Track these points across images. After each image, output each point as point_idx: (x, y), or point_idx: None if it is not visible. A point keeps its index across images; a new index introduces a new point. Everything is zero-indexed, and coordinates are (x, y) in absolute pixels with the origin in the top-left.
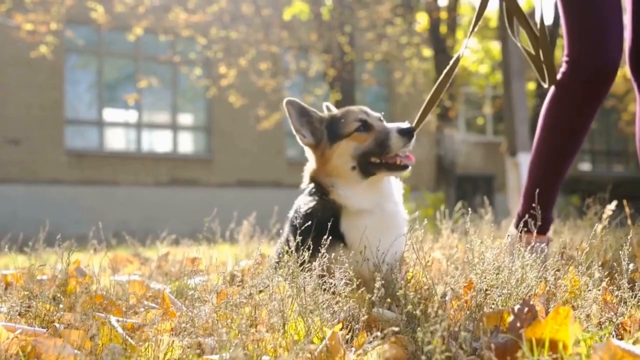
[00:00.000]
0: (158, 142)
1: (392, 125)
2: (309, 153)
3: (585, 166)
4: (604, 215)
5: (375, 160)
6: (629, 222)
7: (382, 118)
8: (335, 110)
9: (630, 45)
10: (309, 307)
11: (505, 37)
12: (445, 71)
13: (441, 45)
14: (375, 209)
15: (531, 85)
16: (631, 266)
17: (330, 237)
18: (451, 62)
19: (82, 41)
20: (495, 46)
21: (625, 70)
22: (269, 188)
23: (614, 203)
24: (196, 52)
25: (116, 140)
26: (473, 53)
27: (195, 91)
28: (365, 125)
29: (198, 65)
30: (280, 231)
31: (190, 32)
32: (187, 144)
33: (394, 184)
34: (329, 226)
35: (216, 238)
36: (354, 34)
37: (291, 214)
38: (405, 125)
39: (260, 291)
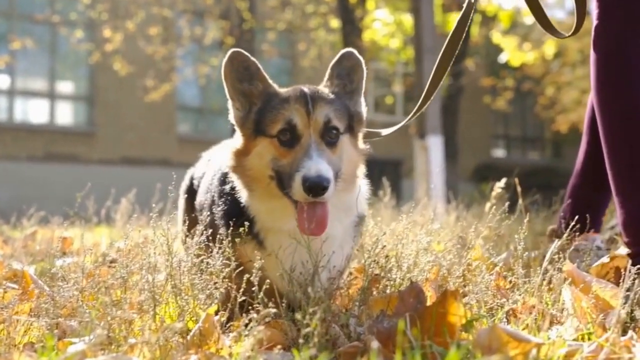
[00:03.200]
0: (33, 112)
1: (307, 164)
2: (237, 130)
3: (499, 152)
4: (493, 194)
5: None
6: (520, 201)
7: (331, 124)
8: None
9: None
10: (183, 288)
11: (419, 9)
12: (458, 19)
13: (349, 16)
14: (298, 231)
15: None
16: (535, 253)
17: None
18: (465, 6)
19: None
20: (408, 19)
21: (542, 51)
22: (157, 167)
23: (503, 180)
24: (77, 12)
25: None
26: (384, 26)
27: (76, 56)
28: (291, 133)
29: (79, 26)
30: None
31: None
32: (66, 115)
33: (352, 196)
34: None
35: (90, 217)
36: (254, 0)
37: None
38: (314, 177)
39: (134, 273)
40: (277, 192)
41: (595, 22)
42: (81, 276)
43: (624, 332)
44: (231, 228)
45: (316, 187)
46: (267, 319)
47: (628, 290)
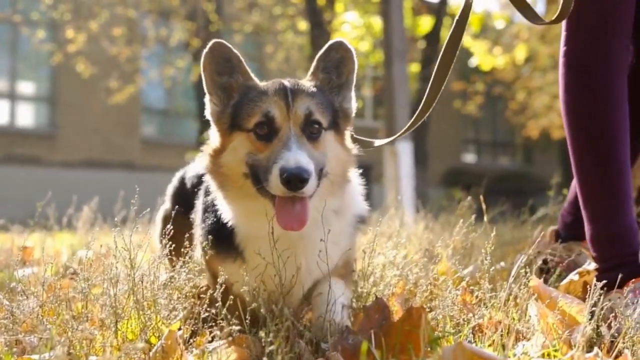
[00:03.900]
0: None
1: (285, 156)
2: (213, 127)
3: (469, 157)
4: (458, 211)
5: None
6: (485, 219)
7: (312, 117)
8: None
9: None
10: (146, 303)
11: (388, 13)
12: (455, 20)
13: (318, 19)
14: (282, 237)
15: (414, 67)
16: (502, 264)
17: (226, 250)
18: (461, 9)
19: None
20: (377, 22)
21: (513, 55)
22: (121, 170)
23: (469, 199)
24: (40, 12)
25: None
26: (353, 29)
27: (38, 56)
28: (269, 126)
29: (42, 26)
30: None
31: None
32: (27, 116)
33: (342, 200)
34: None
35: (52, 225)
36: (221, 1)
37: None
38: (292, 167)
39: (95, 285)
40: (252, 192)
41: (564, 32)
42: (41, 290)
43: (590, 348)
44: (212, 243)
45: (295, 179)
46: (230, 337)
47: (594, 306)
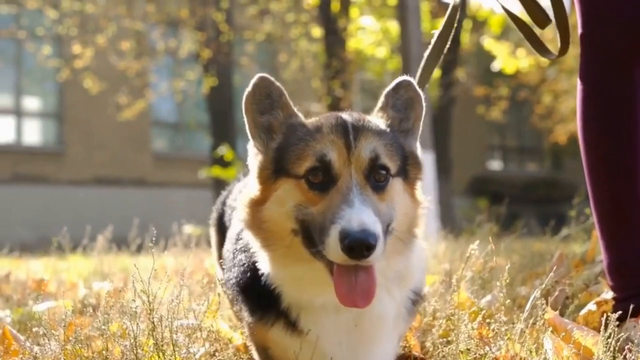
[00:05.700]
0: None
1: (346, 214)
2: (253, 174)
3: (495, 164)
4: (470, 248)
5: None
6: (491, 246)
7: (379, 162)
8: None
9: None
10: (165, 342)
11: (405, 18)
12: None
13: (332, 25)
14: (340, 308)
15: (434, 73)
16: (522, 290)
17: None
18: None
19: None
20: (395, 26)
21: (537, 58)
22: (132, 186)
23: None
24: (45, 27)
25: None
26: (369, 34)
27: (44, 72)
28: (324, 172)
29: (47, 42)
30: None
31: (38, 3)
32: (33, 133)
33: (407, 261)
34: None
35: (66, 254)
36: (232, 10)
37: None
38: (356, 231)
39: (115, 322)
40: (303, 253)
41: (582, 57)
42: (62, 332)
43: None
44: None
45: (359, 246)
46: None
47: (609, 337)
